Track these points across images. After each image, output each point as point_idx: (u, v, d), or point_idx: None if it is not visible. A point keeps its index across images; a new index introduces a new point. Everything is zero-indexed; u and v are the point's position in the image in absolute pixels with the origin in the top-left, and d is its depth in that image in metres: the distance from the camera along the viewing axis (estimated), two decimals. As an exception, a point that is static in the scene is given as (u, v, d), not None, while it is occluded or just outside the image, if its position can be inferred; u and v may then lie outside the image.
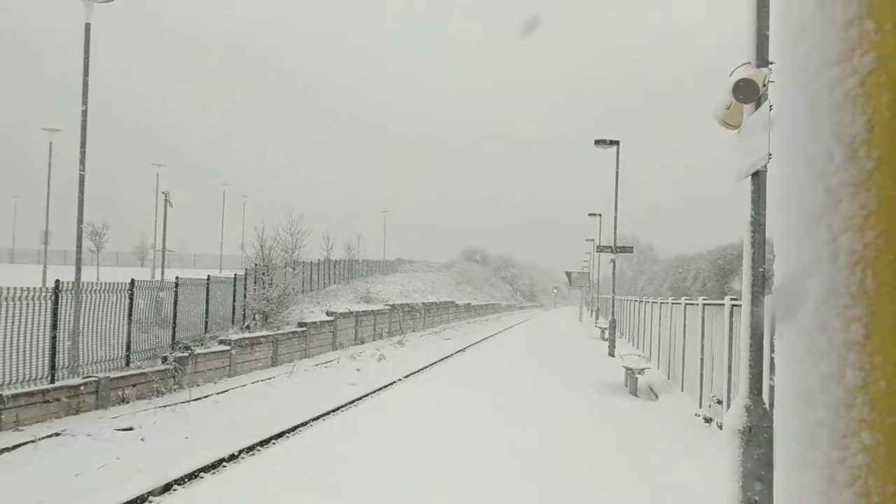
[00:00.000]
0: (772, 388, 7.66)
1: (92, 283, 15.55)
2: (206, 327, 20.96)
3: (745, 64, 5.53)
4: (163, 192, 37.07)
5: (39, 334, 13.14)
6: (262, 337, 22.16)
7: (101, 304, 15.38)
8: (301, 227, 32.93)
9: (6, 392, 11.87)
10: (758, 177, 5.48)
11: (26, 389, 12.33)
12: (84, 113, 15.77)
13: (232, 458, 10.19)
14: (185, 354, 17.57)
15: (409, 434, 11.43)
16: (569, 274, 72.75)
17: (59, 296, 13.78)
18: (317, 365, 22.53)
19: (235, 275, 24.78)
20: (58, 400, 12.88)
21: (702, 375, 13.12)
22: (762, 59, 5.48)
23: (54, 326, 13.55)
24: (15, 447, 10.35)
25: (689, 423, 12.34)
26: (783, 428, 0.96)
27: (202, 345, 19.51)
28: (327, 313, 29.40)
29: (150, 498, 8.32)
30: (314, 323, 26.67)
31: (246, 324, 24.10)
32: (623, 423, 12.53)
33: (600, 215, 44.44)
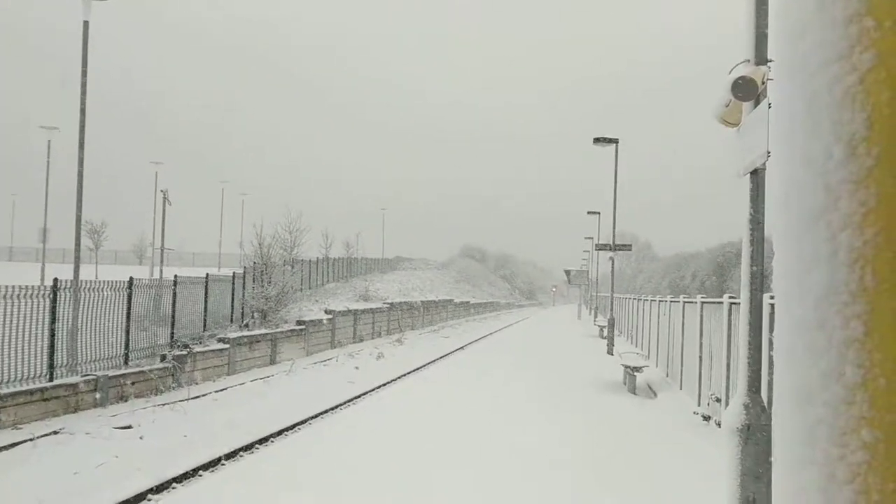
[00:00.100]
0: (770, 386, 7.68)
1: (90, 281, 15.54)
2: (204, 325, 20.97)
3: (743, 62, 5.53)
4: (161, 191, 37.05)
5: (38, 332, 13.14)
6: (260, 335, 22.17)
7: (100, 303, 15.38)
8: (299, 226, 32.99)
9: (5, 390, 11.87)
10: (756, 175, 5.49)
11: (25, 388, 12.33)
12: (82, 112, 15.75)
13: (231, 456, 10.20)
14: (184, 353, 17.57)
15: (409, 433, 11.44)
16: (567, 272, 72.74)
17: (58, 294, 13.78)
18: (315, 363, 22.54)
19: (234, 273, 24.79)
20: (56, 398, 12.88)
21: (700, 373, 13.14)
22: (761, 57, 5.48)
23: (53, 324, 13.55)
24: (13, 445, 10.35)
25: (687, 421, 12.35)
26: (782, 426, 0.95)
27: (201, 343, 19.52)
28: (326, 311, 29.40)
29: (150, 496, 8.33)
30: (313, 321, 26.67)
31: (245, 322, 24.11)
32: (622, 422, 12.55)
33: (599, 213, 44.50)
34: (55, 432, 11.25)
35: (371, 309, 34.97)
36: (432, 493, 8.03)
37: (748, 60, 5.52)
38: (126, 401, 14.61)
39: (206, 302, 21.18)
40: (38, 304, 13.22)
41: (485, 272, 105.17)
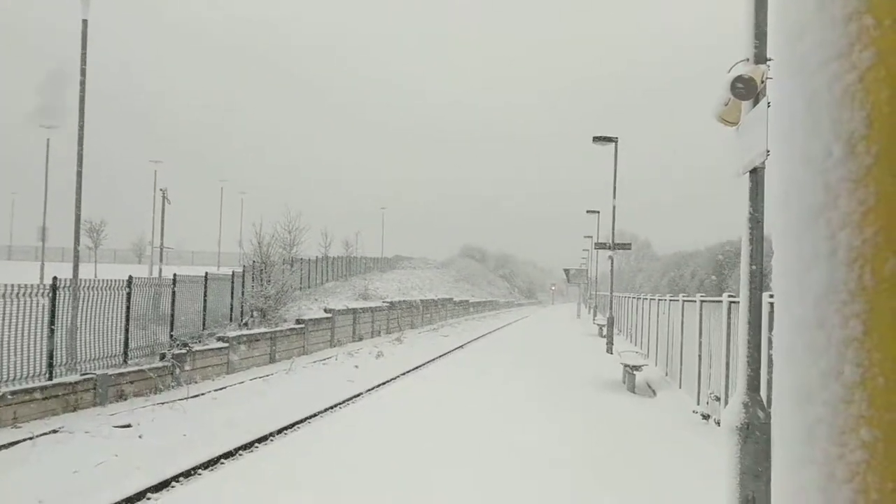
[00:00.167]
0: (769, 385, 7.67)
1: (90, 279, 15.53)
2: (204, 324, 20.96)
3: (743, 60, 5.53)
4: (160, 189, 37.06)
5: (37, 331, 13.13)
6: (260, 334, 22.16)
7: (99, 301, 15.37)
8: (299, 224, 32.98)
9: (4, 389, 11.86)
10: (756, 173, 5.49)
11: (24, 386, 12.32)
12: (81, 109, 15.73)
13: (230, 455, 10.19)
14: (184, 351, 17.56)
15: (408, 432, 11.44)
16: (567, 271, 72.74)
17: (57, 293, 13.77)
18: (315, 362, 22.54)
19: (233, 272, 24.77)
20: (56, 397, 12.87)
21: (699, 372, 13.14)
22: (760, 56, 5.48)
23: (52, 323, 13.54)
24: (13, 444, 10.34)
25: (687, 420, 12.36)
26: (782, 425, 0.95)
27: (200, 342, 19.51)
28: (325, 310, 29.39)
29: (149, 495, 8.32)
30: (312, 320, 26.66)
31: (244, 321, 24.10)
32: (622, 421, 12.55)
33: (598, 212, 44.51)
34: (54, 431, 11.25)
35: (370, 308, 34.96)
36: (431, 492, 8.03)
37: (747, 59, 5.52)
38: (125, 399, 14.60)
39: (205, 301, 21.17)
40: (38, 303, 13.21)
41: (484, 271, 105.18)
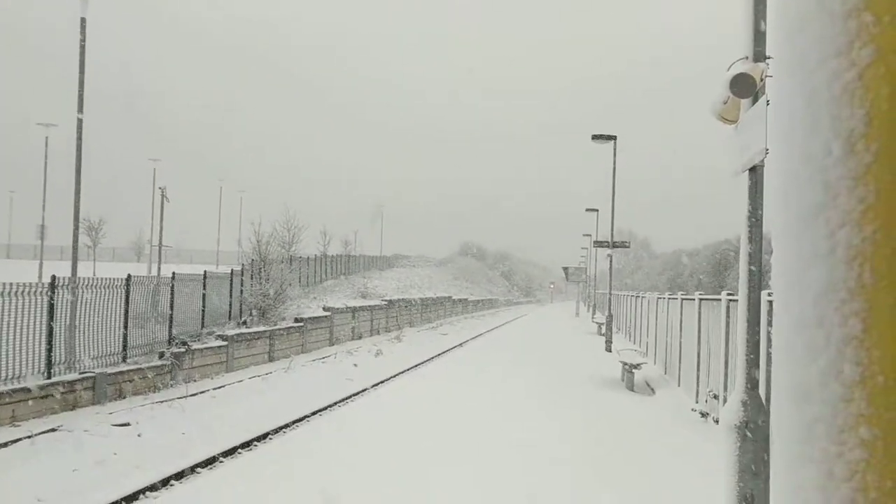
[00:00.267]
0: (768, 383, 7.68)
1: (88, 278, 15.52)
2: (202, 323, 20.96)
3: (742, 59, 5.52)
4: (159, 188, 37.03)
5: (36, 330, 13.12)
6: (258, 332, 22.16)
7: (98, 300, 15.37)
8: (297, 223, 32.97)
9: (2, 388, 11.86)
10: (755, 172, 5.49)
11: (23, 385, 12.31)
12: (80, 109, 15.71)
13: (229, 453, 10.20)
14: (182, 350, 17.56)
15: (407, 430, 11.44)
16: (566, 269, 72.71)
17: (56, 291, 13.76)
18: (314, 360, 22.54)
19: (232, 270, 24.75)
20: (54, 395, 12.87)
21: (698, 370, 13.15)
22: (759, 54, 5.48)
23: (50, 322, 13.53)
24: (12, 443, 10.34)
25: (685, 418, 12.37)
26: (780, 424, 0.95)
27: (199, 340, 19.50)
28: (324, 308, 29.39)
29: (148, 494, 8.32)
30: (311, 318, 26.66)
31: (243, 319, 24.09)
32: (621, 419, 12.56)
33: (597, 211, 44.53)
34: (53, 430, 11.25)
35: (369, 306, 34.96)
36: (431, 490, 8.03)
37: (746, 57, 5.52)
38: (124, 398, 14.61)
39: (204, 299, 21.17)
40: (36, 302, 13.20)
41: (483, 269, 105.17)
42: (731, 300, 10.54)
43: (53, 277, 13.90)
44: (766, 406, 5.50)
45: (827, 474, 0.86)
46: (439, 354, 25.38)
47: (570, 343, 31.04)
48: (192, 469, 9.31)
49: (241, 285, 24.55)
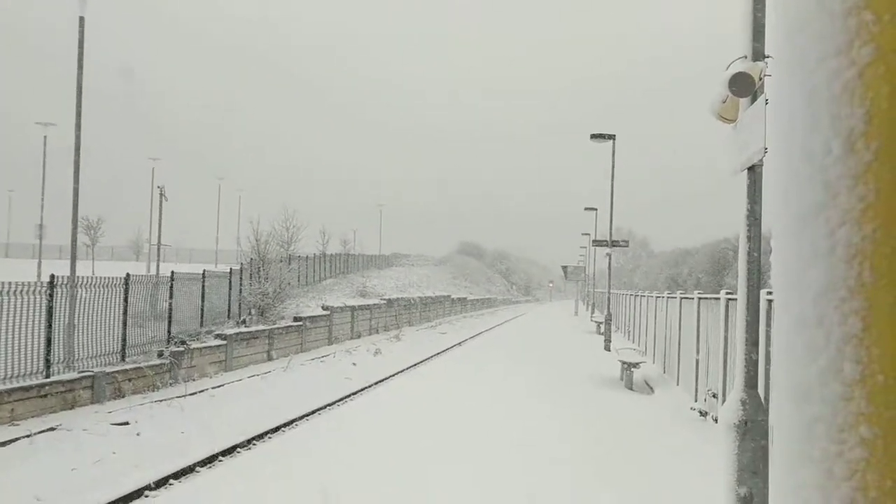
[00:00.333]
0: (767, 382, 7.69)
1: (87, 277, 15.51)
2: (201, 322, 20.94)
3: (740, 58, 5.52)
4: (158, 187, 37.03)
5: (34, 329, 13.11)
6: (257, 331, 22.15)
7: (97, 299, 15.36)
8: (296, 222, 32.96)
9: (1, 387, 11.85)
10: (753, 171, 5.49)
11: (22, 384, 12.31)
12: (78, 108, 15.70)
13: (228, 452, 10.19)
14: (181, 349, 17.55)
15: (406, 429, 11.44)
16: (564, 268, 72.73)
17: (54, 290, 13.75)
18: (313, 359, 22.54)
19: (231, 269, 24.75)
20: (53, 394, 12.87)
21: (697, 369, 13.15)
22: (758, 53, 5.48)
23: (49, 321, 13.52)
24: (10, 442, 10.33)
25: (684, 417, 12.38)
26: (780, 423, 0.95)
27: (198, 339, 19.49)
28: (323, 308, 29.38)
29: (147, 493, 8.32)
30: (310, 317, 26.65)
31: (242, 318, 24.08)
32: (620, 418, 12.56)
33: (596, 209, 44.56)
34: (52, 428, 11.24)
35: (368, 305, 34.95)
36: (430, 489, 8.03)
37: (745, 56, 5.52)
38: (123, 397, 14.60)
39: (202, 298, 21.16)
40: (35, 301, 13.19)
41: (482, 268, 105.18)
42: (729, 299, 10.55)
43: (52, 276, 13.89)
44: (765, 405, 5.51)
45: (827, 473, 0.86)
46: (438, 353, 25.38)
47: (568, 342, 31.05)
48: (191, 468, 9.30)
49: (240, 284, 24.54)
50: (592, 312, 54.86)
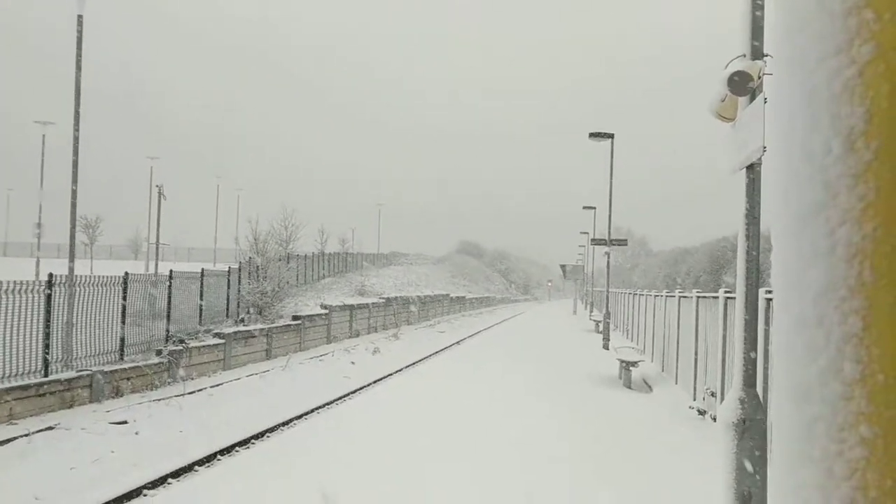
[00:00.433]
0: (765, 381, 7.69)
1: (85, 276, 15.49)
2: (200, 320, 20.92)
3: (739, 56, 5.52)
4: (157, 186, 37.00)
5: (33, 328, 13.10)
6: (256, 330, 22.14)
7: (95, 298, 15.34)
8: (295, 221, 32.94)
9: (0, 385, 11.84)
10: (752, 170, 5.49)
11: (20, 383, 12.30)
12: (77, 107, 15.68)
13: (226, 451, 10.19)
14: (180, 348, 17.54)
15: (404, 428, 11.44)
16: (563, 267, 72.75)
17: (53, 289, 13.74)
18: (311, 358, 22.53)
19: (230, 268, 24.72)
20: (52, 393, 12.86)
21: (696, 368, 13.16)
22: (757, 52, 5.48)
23: (47, 320, 13.51)
24: (9, 441, 10.33)
25: (683, 416, 12.38)
26: (780, 423, 0.95)
27: (196, 338, 19.48)
28: (322, 306, 29.37)
29: (145, 492, 8.32)
30: (309, 316, 26.64)
31: (240, 317, 24.07)
32: (619, 417, 12.57)
33: (595, 208, 44.58)
34: (50, 428, 11.24)
35: (367, 304, 34.94)
36: (428, 488, 8.03)
37: (744, 55, 5.52)
38: (122, 396, 14.59)
39: (201, 297, 21.14)
40: (34, 300, 13.18)
41: (481, 267, 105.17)
42: (728, 298, 10.55)
43: (50, 275, 13.88)
44: (763, 403, 5.51)
45: (827, 473, 0.86)
46: (437, 352, 25.38)
47: (567, 341, 31.06)
48: (190, 467, 9.30)
49: (239, 283, 24.52)
50: (591, 311, 54.89)
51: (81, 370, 14.04)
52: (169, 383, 16.31)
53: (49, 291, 13.62)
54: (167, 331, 18.46)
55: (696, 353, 13.14)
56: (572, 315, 60.73)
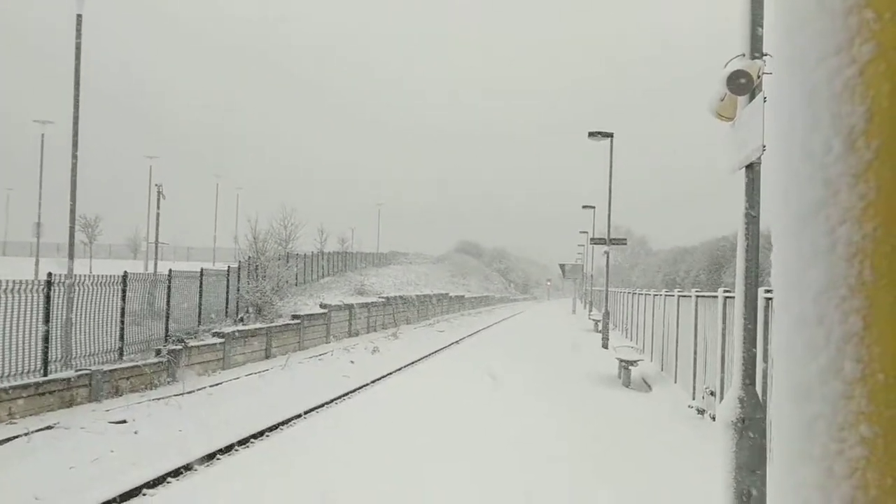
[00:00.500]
0: (765, 380, 7.70)
1: (85, 275, 15.48)
2: (199, 320, 20.92)
3: (739, 56, 5.52)
4: (156, 185, 36.99)
5: (32, 327, 13.09)
6: (255, 329, 22.13)
7: (94, 297, 15.34)
8: (294, 220, 32.95)
9: (-1, 385, 11.84)
10: (752, 169, 5.49)
11: (19, 382, 12.29)
12: (76, 106, 15.67)
13: (226, 450, 10.19)
14: (179, 347, 17.54)
15: (404, 427, 11.45)
16: (562, 266, 72.79)
17: (52, 289, 13.73)
18: (311, 357, 22.53)
19: (229, 267, 24.72)
20: (51, 393, 12.85)
21: (695, 367, 13.17)
22: (756, 51, 5.48)
23: (47, 319, 13.50)
24: (8, 440, 10.33)
25: (682, 415, 12.39)
26: (780, 422, 0.95)
27: (196, 337, 19.48)
28: (321, 306, 29.37)
29: (145, 491, 8.32)
30: (308, 315, 26.63)
31: (240, 316, 24.07)
32: (618, 416, 12.58)
33: (594, 208, 44.58)
34: (50, 427, 11.24)
35: (366, 303, 34.94)
36: (427, 487, 8.03)
37: (743, 54, 5.52)
38: (121, 395, 14.59)
39: (200, 296, 21.14)
40: (33, 299, 13.17)
41: (480, 267, 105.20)
42: (727, 297, 10.56)
43: (50, 275, 13.87)
44: (762, 402, 5.52)
45: (827, 472, 0.86)
46: (436, 351, 25.39)
47: (566, 339, 31.07)
48: (189, 466, 9.30)
49: (238, 282, 24.51)
50: (590, 310, 54.91)
51: (81, 369, 14.04)
52: (168, 382, 16.31)
53: (48, 291, 13.61)
54: (166, 330, 18.45)
55: (695, 353, 13.15)
56: (571, 314, 60.74)
